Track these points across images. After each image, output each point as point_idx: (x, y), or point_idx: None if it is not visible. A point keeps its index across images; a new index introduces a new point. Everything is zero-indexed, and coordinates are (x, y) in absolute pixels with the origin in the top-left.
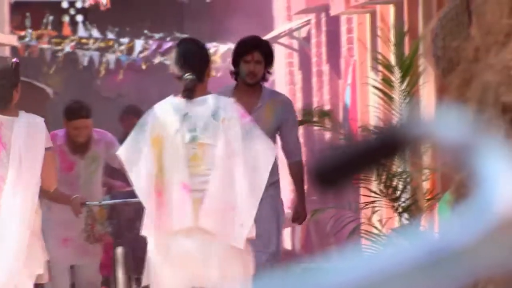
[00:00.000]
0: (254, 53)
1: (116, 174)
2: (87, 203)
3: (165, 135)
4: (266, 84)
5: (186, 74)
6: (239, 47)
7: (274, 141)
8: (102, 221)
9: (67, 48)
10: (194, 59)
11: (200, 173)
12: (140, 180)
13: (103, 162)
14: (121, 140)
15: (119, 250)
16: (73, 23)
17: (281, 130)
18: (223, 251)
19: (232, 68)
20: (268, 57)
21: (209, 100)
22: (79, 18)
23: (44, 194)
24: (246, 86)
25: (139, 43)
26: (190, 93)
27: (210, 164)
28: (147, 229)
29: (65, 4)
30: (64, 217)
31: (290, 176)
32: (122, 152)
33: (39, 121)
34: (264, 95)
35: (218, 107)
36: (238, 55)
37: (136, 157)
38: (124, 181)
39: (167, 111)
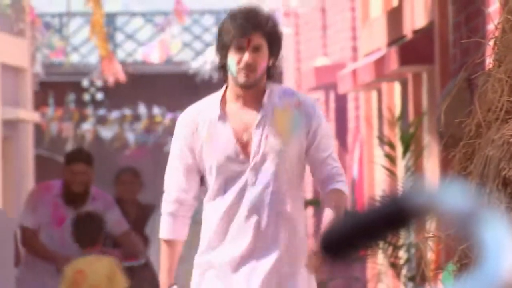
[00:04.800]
0: (252, 35)
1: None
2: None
3: None
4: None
5: None
6: (225, 26)
7: (303, 169)
8: None
9: (88, 124)
10: None
11: None
12: None
13: None
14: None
15: None
16: (94, 101)
17: (306, 147)
18: None
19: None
20: (273, 42)
21: None
22: (99, 96)
23: (28, 249)
24: (240, 89)
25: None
26: None
27: None
28: None
29: (85, 83)
30: (43, 278)
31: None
32: None
33: None
34: (269, 99)
35: None
36: (226, 41)
37: None
38: (119, 249)
39: None
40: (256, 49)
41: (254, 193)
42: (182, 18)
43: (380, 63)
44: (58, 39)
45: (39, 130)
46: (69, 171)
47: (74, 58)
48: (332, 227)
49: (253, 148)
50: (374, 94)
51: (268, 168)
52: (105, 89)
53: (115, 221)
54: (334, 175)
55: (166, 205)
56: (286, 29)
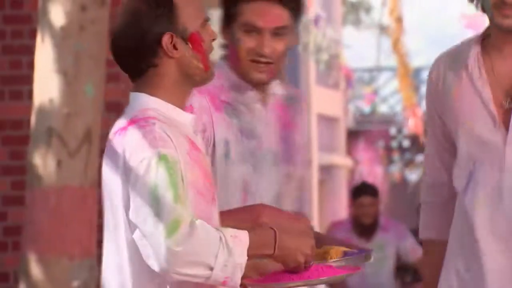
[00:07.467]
0: None
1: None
2: None
3: None
4: None
5: None
6: None
7: None
8: None
9: (395, 168)
10: None
11: None
12: None
13: (393, 256)
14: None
15: None
16: (400, 147)
17: None
18: None
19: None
20: None
21: None
22: (406, 143)
23: None
24: (501, 34)
25: None
26: None
27: None
28: None
29: (393, 131)
30: None
31: None
32: None
33: None
34: None
35: None
36: None
37: None
38: None
39: None
40: None
41: None
42: None
43: None
44: (368, 91)
45: (351, 174)
46: (357, 204)
47: (383, 108)
48: None
49: None
50: None
51: None
52: (411, 136)
53: (410, 248)
54: None
55: (422, 194)
56: None
